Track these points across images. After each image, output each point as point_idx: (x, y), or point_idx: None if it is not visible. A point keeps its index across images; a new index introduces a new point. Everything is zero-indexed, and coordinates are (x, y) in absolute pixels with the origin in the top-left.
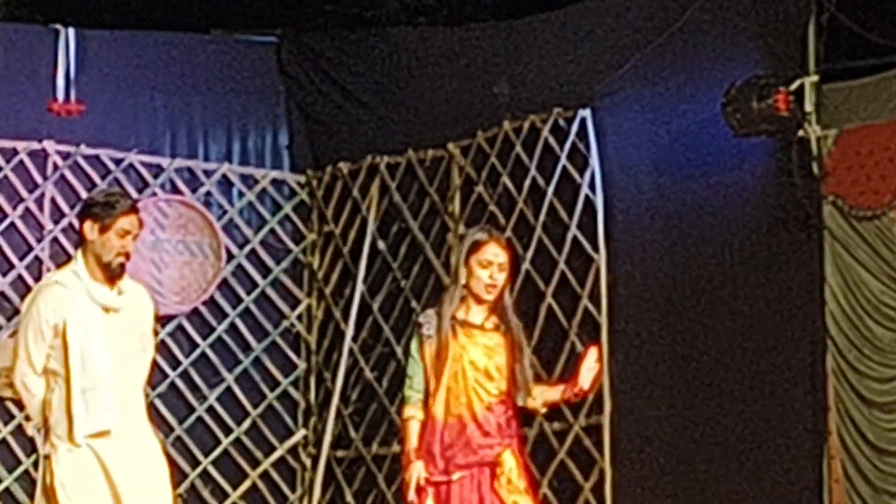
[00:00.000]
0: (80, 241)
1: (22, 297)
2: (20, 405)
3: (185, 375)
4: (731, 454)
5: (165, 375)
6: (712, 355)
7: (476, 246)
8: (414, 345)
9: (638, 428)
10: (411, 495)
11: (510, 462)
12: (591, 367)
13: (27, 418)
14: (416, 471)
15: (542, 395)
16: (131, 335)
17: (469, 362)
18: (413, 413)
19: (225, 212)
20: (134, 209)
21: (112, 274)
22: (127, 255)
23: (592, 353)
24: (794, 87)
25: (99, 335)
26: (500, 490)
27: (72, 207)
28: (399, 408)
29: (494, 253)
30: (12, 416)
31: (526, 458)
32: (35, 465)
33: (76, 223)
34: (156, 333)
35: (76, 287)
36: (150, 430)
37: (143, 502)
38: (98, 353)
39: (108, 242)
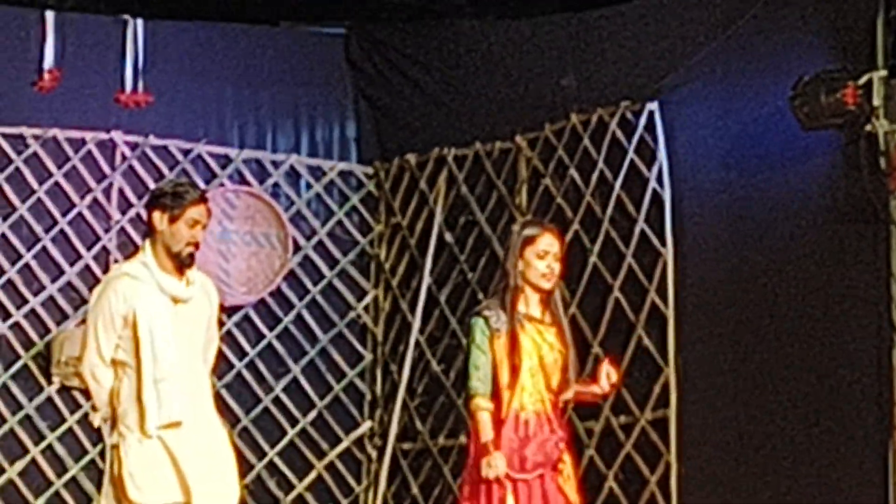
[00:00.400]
0: (149, 232)
1: (90, 288)
2: (87, 395)
3: (251, 366)
4: (797, 448)
5: (232, 366)
6: (778, 349)
7: (531, 238)
8: (480, 337)
9: (704, 422)
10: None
11: (567, 457)
12: (611, 380)
13: (93, 408)
14: (500, 463)
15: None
16: (199, 326)
17: (540, 357)
18: (485, 405)
19: (292, 203)
20: (203, 199)
21: (181, 264)
22: (196, 245)
23: (612, 372)
24: (862, 81)
25: (168, 326)
26: (564, 486)
27: (140, 198)
28: (466, 400)
29: (549, 243)
30: (79, 406)
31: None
32: (101, 454)
33: (144, 214)
34: (222, 324)
35: (146, 278)
36: (218, 420)
37: (211, 492)
38: (168, 343)
39: (177, 233)
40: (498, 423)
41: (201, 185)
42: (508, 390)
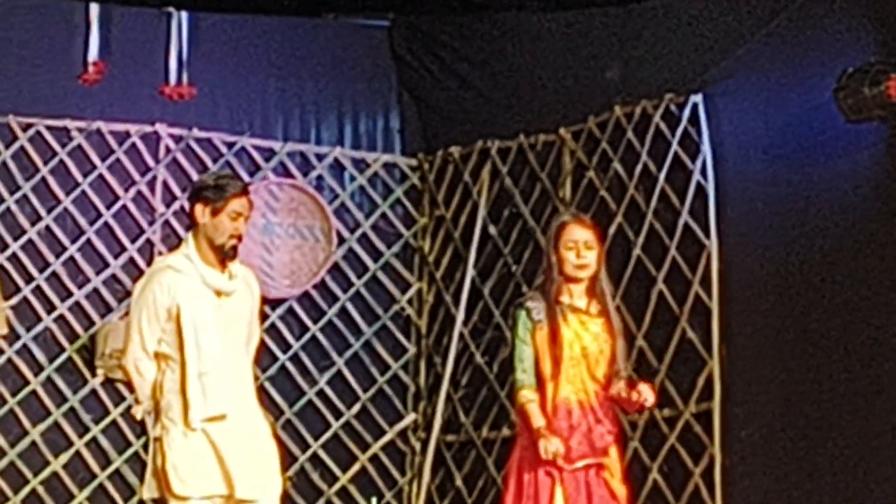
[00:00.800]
0: (192, 225)
1: (134, 281)
2: (130, 387)
3: (295, 359)
4: (842, 440)
5: (276, 359)
6: (824, 341)
7: (560, 229)
8: (522, 329)
9: (748, 414)
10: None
11: (614, 451)
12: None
13: (136, 401)
14: (557, 442)
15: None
16: (241, 319)
17: (583, 348)
18: (531, 396)
19: (336, 195)
20: (245, 191)
21: (225, 256)
22: (239, 238)
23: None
24: None
25: (211, 319)
26: (609, 480)
27: (183, 190)
28: (511, 392)
29: (577, 233)
30: (123, 398)
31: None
32: (145, 447)
33: (186, 207)
34: (266, 317)
35: (189, 271)
36: (260, 413)
37: (253, 484)
38: (211, 336)
39: (220, 225)
40: (544, 413)
41: (245, 177)
42: (552, 381)
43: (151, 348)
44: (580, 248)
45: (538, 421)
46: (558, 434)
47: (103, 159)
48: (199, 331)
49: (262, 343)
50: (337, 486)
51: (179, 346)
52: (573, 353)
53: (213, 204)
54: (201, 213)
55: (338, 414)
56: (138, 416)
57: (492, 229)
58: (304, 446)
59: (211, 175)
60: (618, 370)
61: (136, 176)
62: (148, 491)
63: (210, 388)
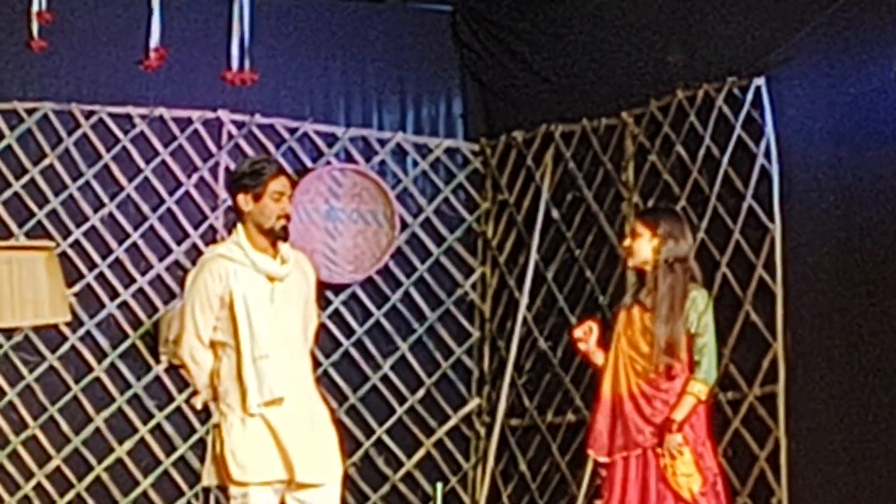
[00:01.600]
0: (238, 216)
1: None
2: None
3: (359, 344)
4: None
5: (339, 344)
6: (888, 326)
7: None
8: None
9: (813, 397)
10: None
11: (672, 441)
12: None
13: (195, 392)
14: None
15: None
16: (296, 303)
17: (626, 341)
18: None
19: (399, 181)
20: (282, 170)
21: (276, 238)
22: (287, 217)
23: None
24: None
25: (265, 304)
26: (666, 474)
27: None
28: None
29: (638, 232)
30: (186, 385)
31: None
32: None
33: (230, 199)
34: (329, 302)
35: (240, 258)
36: (318, 396)
37: (313, 468)
38: (266, 322)
39: (265, 209)
40: (596, 403)
41: (308, 163)
42: (603, 372)
43: (206, 336)
44: (629, 238)
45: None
46: (601, 427)
47: (165, 146)
48: (252, 316)
49: (326, 329)
50: (402, 471)
51: (234, 332)
52: (617, 346)
53: (252, 190)
54: (244, 201)
55: (402, 399)
56: (198, 406)
57: (555, 213)
58: (369, 432)
59: (245, 162)
60: (658, 366)
61: (199, 162)
62: (208, 478)
63: (266, 373)
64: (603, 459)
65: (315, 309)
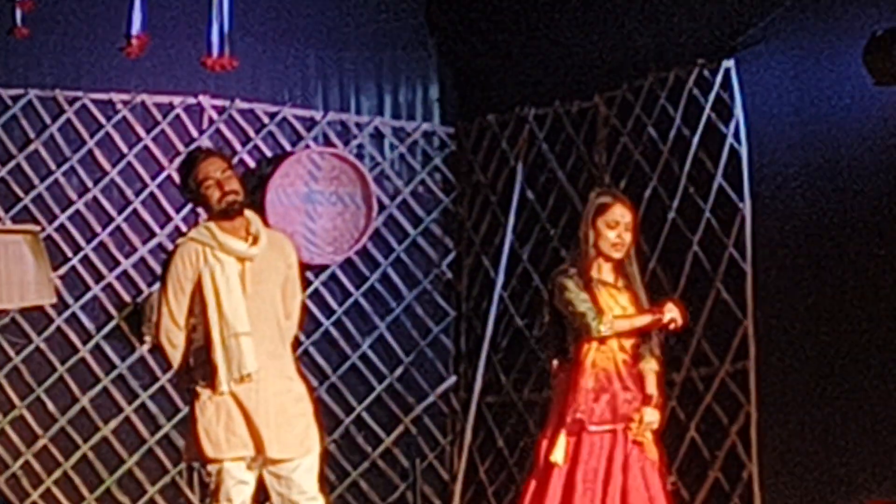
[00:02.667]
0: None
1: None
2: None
3: (338, 324)
4: (876, 396)
5: (319, 324)
6: (855, 300)
7: (602, 208)
8: (575, 287)
9: (783, 372)
10: None
11: (650, 416)
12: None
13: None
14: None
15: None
16: (270, 281)
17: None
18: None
19: (377, 164)
20: (210, 152)
21: (232, 215)
22: (234, 192)
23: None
24: None
25: (236, 284)
26: (641, 441)
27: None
28: (592, 331)
29: (621, 213)
30: (171, 365)
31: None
32: None
33: (183, 194)
34: (309, 282)
35: (208, 240)
36: (294, 373)
37: (287, 444)
38: (236, 301)
39: (207, 191)
40: (576, 377)
41: (287, 146)
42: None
43: (181, 319)
44: (621, 229)
45: (643, 319)
46: (584, 398)
47: (148, 131)
48: (221, 297)
49: (306, 308)
50: (381, 447)
51: (203, 312)
52: None
53: (193, 178)
54: (190, 196)
55: (381, 377)
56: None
57: (529, 194)
58: (349, 409)
59: (181, 161)
60: (649, 346)
61: (181, 147)
62: (186, 454)
63: (235, 351)
64: (595, 429)
65: (298, 288)
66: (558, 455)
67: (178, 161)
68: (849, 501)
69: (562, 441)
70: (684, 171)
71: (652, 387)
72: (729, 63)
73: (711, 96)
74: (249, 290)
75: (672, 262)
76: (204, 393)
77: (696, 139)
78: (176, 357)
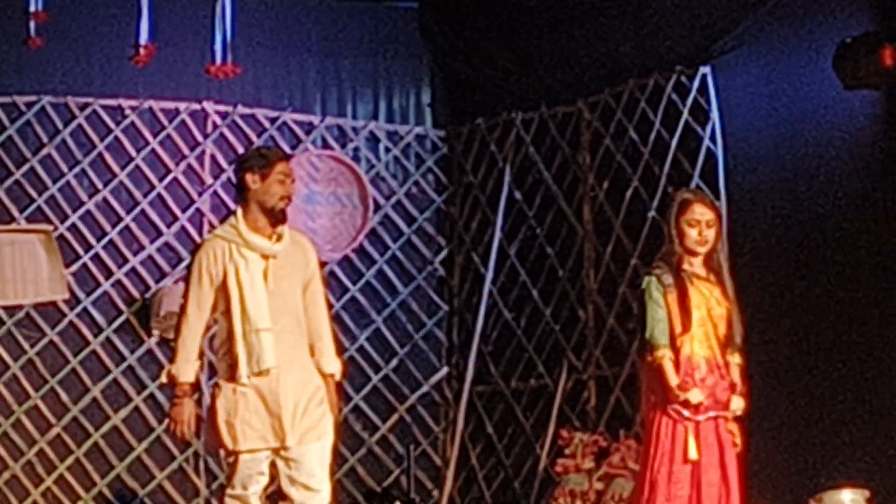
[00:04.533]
0: (242, 195)
1: (185, 247)
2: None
3: (337, 318)
4: (850, 387)
5: None
6: (827, 292)
7: (683, 207)
8: (655, 293)
9: (759, 363)
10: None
11: (736, 404)
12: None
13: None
14: (698, 394)
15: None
16: (292, 278)
17: (709, 310)
18: (668, 354)
19: (372, 166)
20: (287, 157)
21: (276, 219)
22: (289, 199)
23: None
24: None
25: (259, 281)
26: (731, 429)
27: (230, 163)
28: (646, 351)
29: (700, 212)
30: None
31: None
32: (199, 402)
33: (234, 178)
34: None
35: (233, 237)
36: (312, 366)
37: (302, 432)
38: (259, 298)
39: (269, 188)
40: (676, 368)
41: (287, 150)
42: (681, 339)
43: (203, 310)
44: (702, 226)
45: (674, 379)
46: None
47: (155, 135)
48: (244, 292)
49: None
50: (377, 435)
51: (227, 307)
52: (701, 314)
53: (260, 170)
54: (252, 180)
55: (377, 368)
56: (191, 378)
57: (517, 194)
58: (347, 399)
59: (254, 148)
60: (732, 335)
61: (186, 150)
62: (206, 446)
63: (256, 346)
64: (701, 417)
65: (320, 284)
66: (692, 452)
67: (255, 146)
68: (827, 484)
69: (691, 440)
70: (664, 172)
71: (737, 377)
72: (705, 69)
73: (689, 101)
74: (272, 286)
75: (653, 258)
76: (226, 386)
77: (674, 141)
78: (185, 348)
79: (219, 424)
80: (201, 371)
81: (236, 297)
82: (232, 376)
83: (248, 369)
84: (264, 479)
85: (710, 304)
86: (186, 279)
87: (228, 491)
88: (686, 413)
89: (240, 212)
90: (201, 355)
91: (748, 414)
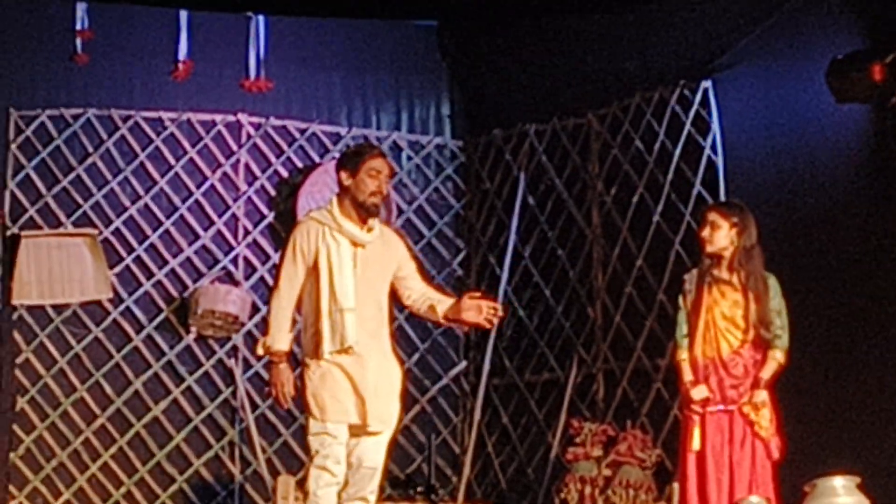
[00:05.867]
0: (339, 191)
1: (220, 249)
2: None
3: None
4: (837, 381)
5: None
6: (820, 291)
7: (702, 218)
8: (681, 299)
9: None
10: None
11: (760, 396)
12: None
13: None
14: (701, 391)
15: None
16: (378, 271)
17: (719, 313)
18: (684, 355)
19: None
20: (381, 153)
21: (367, 213)
22: (381, 194)
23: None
24: (888, 59)
25: (348, 264)
26: (752, 419)
27: (262, 171)
28: (675, 350)
29: (711, 220)
30: (213, 352)
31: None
32: (234, 394)
33: (334, 175)
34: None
35: (328, 221)
36: (390, 349)
37: (383, 407)
38: (346, 279)
39: (361, 183)
40: (692, 368)
41: (316, 158)
42: (689, 339)
43: (294, 287)
44: (709, 229)
45: (687, 375)
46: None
47: (193, 145)
48: (334, 273)
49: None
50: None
51: (316, 285)
52: (708, 317)
53: (352, 167)
54: (345, 177)
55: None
56: (260, 352)
57: (530, 200)
58: None
59: (351, 147)
60: (756, 333)
61: (222, 159)
62: (303, 418)
63: (339, 324)
64: (708, 409)
65: (413, 267)
66: (696, 443)
67: (354, 145)
68: (814, 472)
69: (696, 431)
70: (667, 180)
71: (766, 371)
72: (707, 83)
73: (691, 113)
74: (359, 272)
75: (657, 259)
76: (312, 363)
77: (677, 151)
78: (277, 319)
79: (308, 398)
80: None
81: (325, 276)
82: (317, 353)
83: (331, 346)
84: (343, 451)
85: (722, 308)
86: (281, 256)
87: (315, 461)
88: (695, 408)
89: (335, 201)
90: (293, 325)
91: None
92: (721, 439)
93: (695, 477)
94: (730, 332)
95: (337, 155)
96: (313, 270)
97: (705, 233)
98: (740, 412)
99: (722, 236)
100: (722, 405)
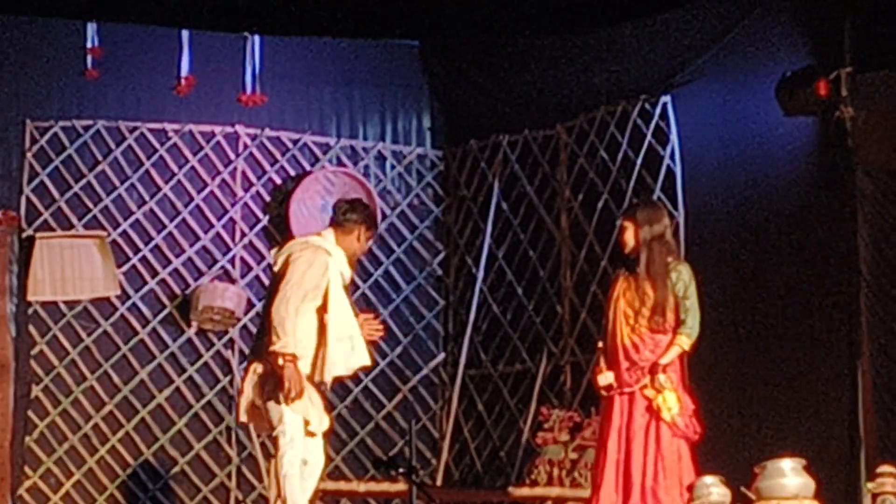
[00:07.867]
0: (342, 227)
1: (219, 250)
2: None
3: None
4: (781, 370)
5: None
6: (767, 288)
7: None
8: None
9: (707, 351)
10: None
11: (658, 381)
12: None
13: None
14: (608, 375)
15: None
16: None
17: (624, 303)
18: (600, 344)
19: (380, 181)
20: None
21: (350, 261)
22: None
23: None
24: (832, 76)
25: (343, 297)
26: (653, 404)
27: (258, 178)
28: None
29: (623, 227)
30: (212, 344)
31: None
32: (231, 382)
33: (353, 218)
34: None
35: (337, 257)
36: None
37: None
38: (346, 310)
39: (363, 246)
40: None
41: (307, 167)
42: (604, 329)
43: (305, 312)
44: (621, 234)
45: (599, 363)
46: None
47: (194, 154)
48: (337, 304)
49: None
50: (384, 411)
51: (321, 314)
52: (617, 307)
53: (369, 231)
54: (363, 230)
55: (384, 355)
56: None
57: (504, 206)
58: (357, 381)
59: (371, 210)
60: (658, 321)
61: (221, 167)
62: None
63: (349, 349)
64: (617, 391)
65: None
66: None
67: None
68: (762, 455)
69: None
70: (630, 186)
71: (666, 357)
72: (666, 98)
73: (652, 125)
74: (347, 300)
75: (619, 261)
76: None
77: (639, 161)
78: (290, 340)
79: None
80: None
81: (333, 307)
82: (310, 375)
83: (343, 368)
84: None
85: (628, 298)
86: (296, 278)
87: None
88: (602, 392)
89: (332, 234)
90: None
91: (700, 389)
92: (621, 421)
93: (605, 457)
94: (631, 318)
95: (326, 164)
96: (322, 300)
97: (623, 238)
98: (642, 395)
99: (630, 237)
100: (626, 387)
